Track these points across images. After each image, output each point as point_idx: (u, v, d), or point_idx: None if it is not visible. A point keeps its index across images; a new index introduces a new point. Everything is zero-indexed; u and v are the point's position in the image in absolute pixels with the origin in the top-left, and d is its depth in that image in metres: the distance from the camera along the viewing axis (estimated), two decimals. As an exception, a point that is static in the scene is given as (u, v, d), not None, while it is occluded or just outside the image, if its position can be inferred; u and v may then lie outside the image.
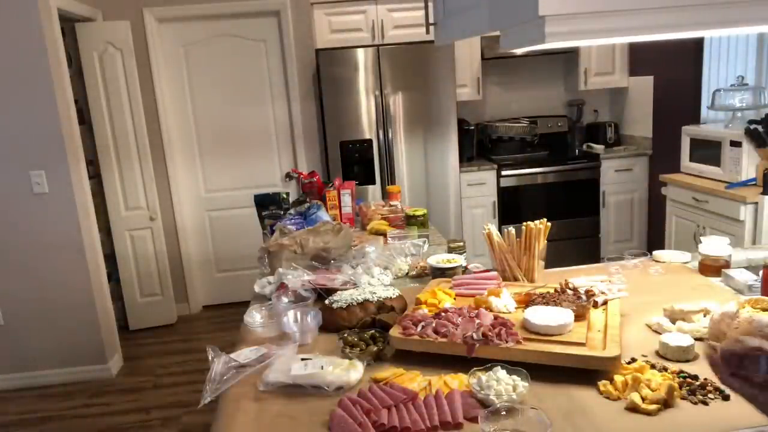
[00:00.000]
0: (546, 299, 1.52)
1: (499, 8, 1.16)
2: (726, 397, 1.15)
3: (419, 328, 1.42)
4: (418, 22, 4.13)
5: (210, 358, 1.42)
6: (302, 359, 1.36)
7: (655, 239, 4.36)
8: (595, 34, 0.99)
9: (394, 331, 1.44)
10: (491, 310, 1.51)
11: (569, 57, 4.66)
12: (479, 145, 4.72)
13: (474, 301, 1.59)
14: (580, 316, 1.42)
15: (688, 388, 1.19)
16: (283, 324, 1.58)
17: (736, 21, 0.98)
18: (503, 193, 4.34)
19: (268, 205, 2.72)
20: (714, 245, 1.83)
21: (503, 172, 4.30)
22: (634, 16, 0.96)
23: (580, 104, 4.82)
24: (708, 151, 3.44)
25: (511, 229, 1.86)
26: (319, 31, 4.15)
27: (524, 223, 1.83)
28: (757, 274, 1.65)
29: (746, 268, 1.76)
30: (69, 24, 3.71)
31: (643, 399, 1.14)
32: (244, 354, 1.46)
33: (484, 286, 1.69)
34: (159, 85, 4.07)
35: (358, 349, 1.42)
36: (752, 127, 3.09)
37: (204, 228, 4.41)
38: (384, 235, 2.48)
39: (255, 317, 1.69)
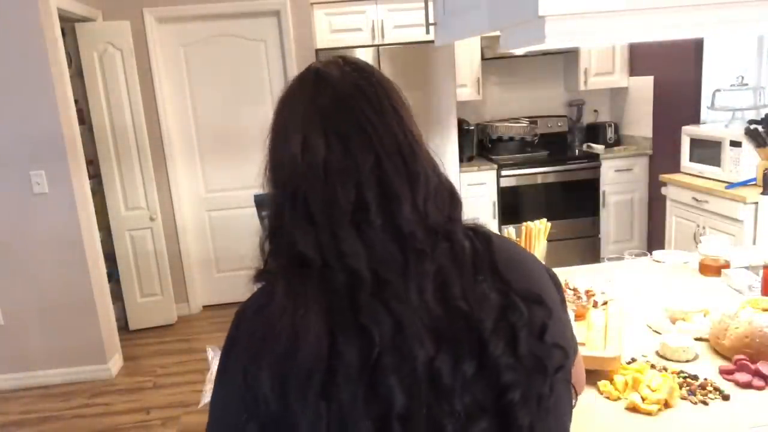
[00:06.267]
0: (546, 299, 1.51)
1: (499, 8, 1.16)
2: (726, 397, 1.16)
3: (419, 328, 1.41)
4: (418, 22, 4.10)
5: (210, 358, 1.42)
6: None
7: (655, 239, 4.35)
8: (595, 34, 0.99)
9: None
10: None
11: (569, 57, 4.66)
12: (479, 145, 4.72)
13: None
14: (580, 316, 1.42)
15: (688, 388, 1.19)
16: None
17: (736, 21, 0.99)
18: (503, 193, 4.34)
19: (268, 205, 2.71)
20: (714, 245, 1.83)
21: (503, 172, 4.30)
22: (634, 16, 0.96)
23: (580, 104, 4.82)
24: (708, 151, 3.44)
25: (511, 229, 1.86)
26: (319, 31, 4.15)
27: (524, 223, 1.82)
28: (757, 274, 1.65)
29: (746, 268, 1.76)
30: (69, 24, 3.70)
31: (643, 399, 1.14)
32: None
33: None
34: (159, 85, 4.07)
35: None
36: (752, 127, 3.09)
37: (204, 228, 4.40)
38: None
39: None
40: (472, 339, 0.66)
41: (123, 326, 4.07)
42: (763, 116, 3.13)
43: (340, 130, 0.70)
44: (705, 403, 1.14)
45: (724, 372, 1.24)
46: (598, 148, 4.52)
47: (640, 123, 4.48)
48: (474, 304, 0.67)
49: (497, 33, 1.21)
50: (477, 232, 0.75)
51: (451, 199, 0.75)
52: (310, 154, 0.69)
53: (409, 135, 0.74)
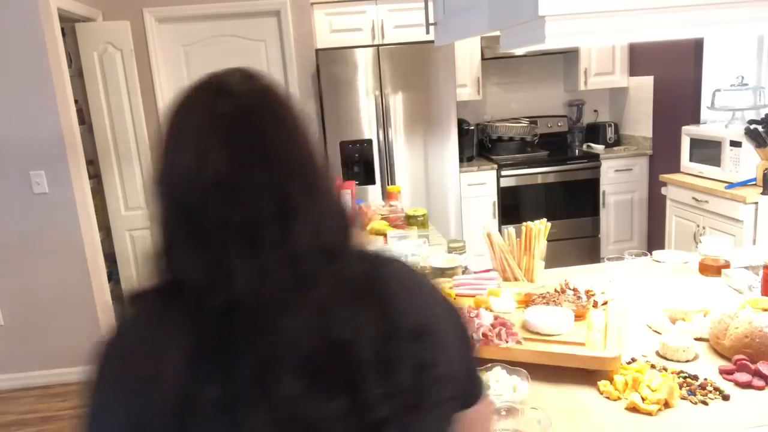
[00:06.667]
0: (546, 299, 1.52)
1: (499, 8, 1.16)
2: (726, 397, 1.16)
3: (419, 328, 1.41)
4: (418, 22, 4.11)
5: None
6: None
7: (655, 239, 4.36)
8: (595, 34, 0.99)
9: (394, 331, 1.43)
10: (491, 310, 1.51)
11: (569, 57, 4.66)
12: (479, 145, 4.72)
13: (474, 301, 1.59)
14: (580, 316, 1.42)
15: (688, 388, 1.19)
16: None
17: (736, 21, 0.99)
18: (503, 193, 4.34)
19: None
20: (714, 245, 1.83)
21: (503, 172, 4.30)
22: (634, 16, 0.96)
23: (580, 104, 4.82)
24: (708, 151, 3.44)
25: (511, 229, 1.86)
26: (319, 31, 4.15)
27: (524, 223, 1.83)
28: (757, 274, 1.65)
29: (746, 268, 1.76)
30: (69, 24, 3.70)
31: (643, 399, 1.14)
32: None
33: (484, 286, 1.69)
34: (159, 85, 4.07)
35: (358, 349, 1.42)
36: (752, 127, 3.09)
37: (204, 228, 4.40)
38: (384, 235, 2.48)
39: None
40: (348, 371, 0.63)
41: (123, 326, 4.07)
42: (763, 116, 3.13)
43: (241, 142, 0.65)
44: (705, 403, 1.14)
45: (724, 372, 1.24)
46: (598, 148, 4.52)
47: (640, 123, 4.48)
48: (355, 333, 0.64)
49: (497, 33, 1.21)
50: (370, 257, 0.72)
51: (345, 222, 0.72)
52: (205, 167, 0.64)
53: (311, 153, 0.70)
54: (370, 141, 4.07)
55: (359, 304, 0.66)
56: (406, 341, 0.66)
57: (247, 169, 0.64)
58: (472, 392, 0.77)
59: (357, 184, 3.30)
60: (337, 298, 0.65)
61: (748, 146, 3.14)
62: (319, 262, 0.65)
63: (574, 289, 1.56)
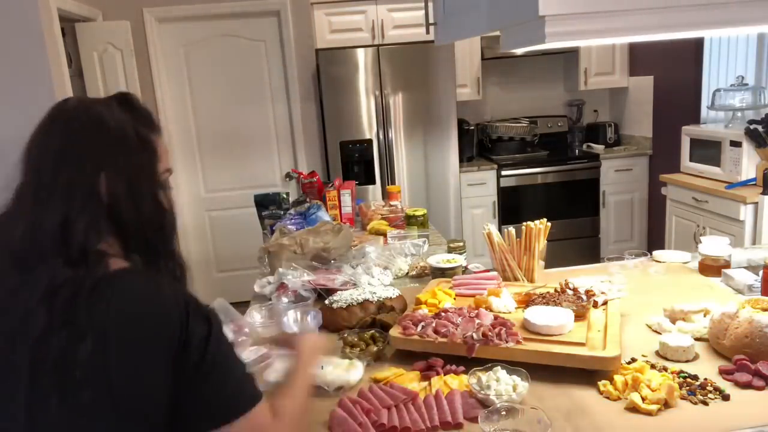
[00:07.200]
0: (546, 299, 1.52)
1: (499, 8, 1.16)
2: (726, 397, 1.16)
3: (419, 328, 1.42)
4: (418, 22, 4.12)
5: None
6: (302, 359, 1.35)
7: (655, 239, 4.35)
8: (595, 34, 0.99)
9: (394, 331, 1.44)
10: (491, 310, 1.51)
11: (569, 57, 4.66)
12: (479, 145, 4.72)
13: (474, 301, 1.59)
14: (580, 316, 1.42)
15: (688, 388, 1.19)
16: (283, 324, 1.58)
17: (736, 21, 0.99)
18: (503, 193, 4.34)
19: (268, 205, 2.72)
20: (714, 245, 1.83)
21: (503, 172, 4.30)
22: (634, 16, 0.96)
23: (580, 104, 4.82)
24: (708, 151, 3.44)
25: (511, 229, 1.86)
26: (319, 31, 4.15)
27: (524, 223, 1.83)
28: (757, 274, 1.65)
29: (746, 268, 1.76)
30: (69, 24, 3.70)
31: (643, 399, 1.14)
32: (244, 354, 1.46)
33: (484, 286, 1.69)
34: (159, 85, 4.07)
35: (358, 349, 1.42)
36: (752, 127, 3.09)
37: (204, 228, 4.40)
38: (384, 235, 2.48)
39: (255, 317, 1.70)
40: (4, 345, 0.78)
41: (123, 326, 4.06)
42: (763, 116, 3.13)
43: (37, 138, 0.99)
44: (705, 403, 1.14)
45: (724, 372, 1.24)
46: (598, 148, 4.52)
47: (640, 123, 4.48)
48: (18, 326, 0.77)
49: (497, 33, 1.21)
50: (107, 270, 0.81)
51: (90, 233, 0.84)
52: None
53: (87, 169, 0.90)
54: (370, 141, 4.07)
55: (43, 298, 0.77)
56: (63, 338, 0.75)
57: (27, 155, 0.96)
58: (224, 417, 0.83)
59: (357, 184, 3.30)
60: (25, 290, 0.78)
61: (748, 146, 3.14)
62: (26, 258, 0.80)
63: (574, 289, 1.56)
